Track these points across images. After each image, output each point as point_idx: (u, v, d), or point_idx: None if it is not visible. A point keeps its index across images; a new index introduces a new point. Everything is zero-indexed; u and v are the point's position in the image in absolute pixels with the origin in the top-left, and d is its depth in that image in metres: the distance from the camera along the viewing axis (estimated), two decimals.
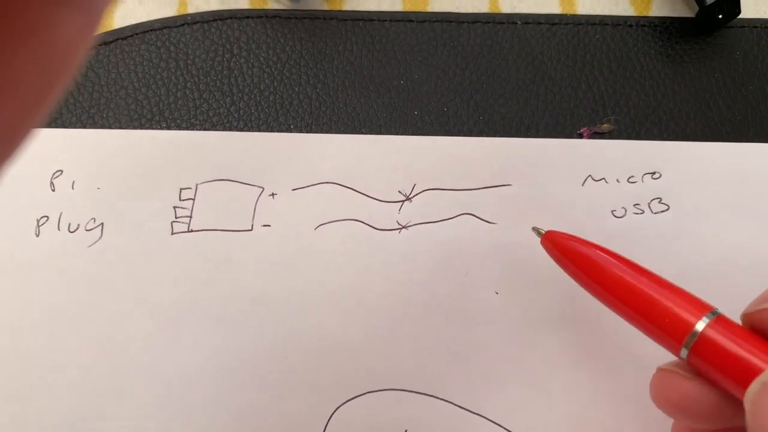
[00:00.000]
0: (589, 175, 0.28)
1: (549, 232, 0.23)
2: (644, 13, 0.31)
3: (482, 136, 0.29)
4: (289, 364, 0.26)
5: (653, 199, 0.28)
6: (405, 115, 0.29)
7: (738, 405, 0.18)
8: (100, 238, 0.27)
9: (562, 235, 0.23)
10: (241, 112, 0.29)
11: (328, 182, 0.28)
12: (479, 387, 0.26)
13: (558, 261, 0.23)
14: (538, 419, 0.25)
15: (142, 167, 0.28)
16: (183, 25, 0.31)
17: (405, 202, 0.28)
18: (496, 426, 0.25)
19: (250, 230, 0.27)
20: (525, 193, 0.28)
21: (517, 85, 0.30)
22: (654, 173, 0.28)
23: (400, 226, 0.28)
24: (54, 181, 0.28)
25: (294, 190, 0.28)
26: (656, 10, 0.32)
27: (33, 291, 0.27)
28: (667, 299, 0.20)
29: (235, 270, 0.27)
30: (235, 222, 0.28)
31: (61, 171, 0.28)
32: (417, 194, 0.28)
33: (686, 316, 0.19)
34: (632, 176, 0.28)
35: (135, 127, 0.29)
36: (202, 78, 0.30)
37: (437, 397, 0.26)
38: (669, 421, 0.25)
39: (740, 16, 0.30)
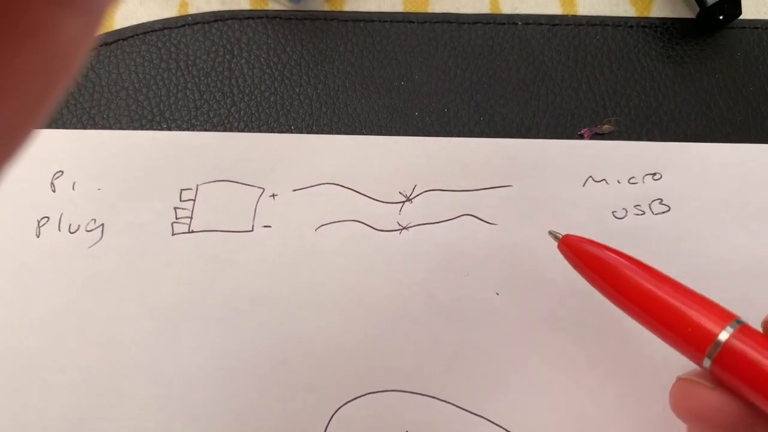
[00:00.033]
0: (590, 176, 0.28)
1: (566, 237, 0.22)
2: (645, 14, 0.31)
3: (483, 136, 0.29)
4: (290, 364, 0.26)
5: (654, 200, 0.28)
6: (405, 115, 0.29)
7: (762, 416, 0.18)
8: (101, 238, 0.27)
9: (579, 240, 0.22)
10: (241, 112, 0.29)
11: (328, 183, 0.28)
12: (480, 388, 0.26)
13: (575, 266, 0.22)
14: (539, 420, 0.25)
15: (142, 168, 0.28)
16: (184, 26, 0.31)
17: (405, 203, 0.28)
18: (497, 427, 0.25)
19: (251, 231, 0.27)
20: (526, 194, 0.28)
21: (518, 86, 0.30)
22: (655, 174, 0.28)
23: (401, 227, 0.28)
24: (54, 181, 0.28)
25: (294, 190, 0.28)
26: (657, 11, 0.32)
27: (33, 292, 0.27)
28: (690, 308, 0.19)
29: (236, 271, 0.27)
30: (235, 223, 0.28)
31: (62, 172, 0.28)
32: (417, 195, 0.28)
33: (709, 325, 0.19)
34: (633, 177, 0.28)
35: (136, 128, 0.29)
36: (202, 79, 0.30)
37: (438, 398, 0.26)
38: (669, 421, 0.25)
39: (741, 17, 0.30)
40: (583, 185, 0.28)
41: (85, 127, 0.29)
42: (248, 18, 0.31)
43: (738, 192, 0.28)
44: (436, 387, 0.26)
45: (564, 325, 0.26)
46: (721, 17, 0.30)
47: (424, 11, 0.31)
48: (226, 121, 0.29)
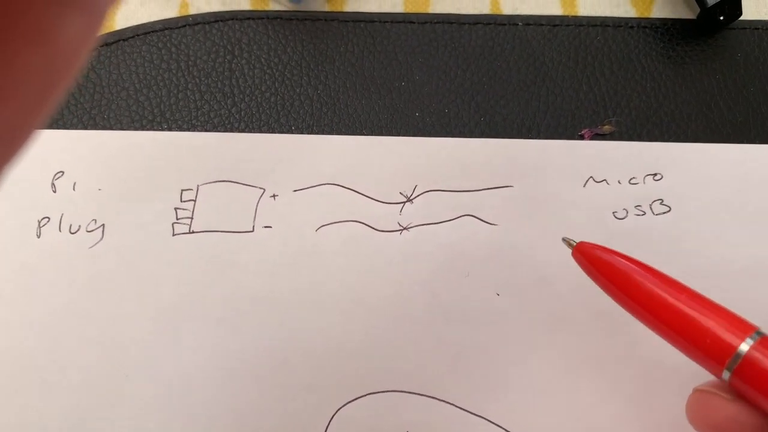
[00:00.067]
0: (591, 177, 0.28)
1: (581, 244, 0.22)
2: (645, 15, 0.31)
3: (483, 137, 0.29)
4: (291, 365, 0.26)
5: (655, 201, 0.28)
6: (406, 116, 0.29)
7: None
8: (101, 239, 0.27)
9: (594, 247, 0.21)
10: (242, 113, 0.29)
11: (329, 183, 0.28)
12: (480, 388, 0.26)
13: (590, 274, 0.22)
14: (539, 420, 0.25)
15: (143, 168, 0.28)
16: (184, 26, 0.31)
17: (406, 204, 0.28)
18: (498, 428, 0.25)
19: (252, 231, 0.27)
20: (526, 195, 0.28)
21: (519, 87, 0.30)
22: (655, 174, 0.28)
23: (401, 228, 0.28)
24: (55, 182, 0.28)
25: (295, 191, 0.28)
26: (657, 12, 0.32)
27: (34, 292, 0.27)
28: (708, 318, 0.19)
29: (237, 271, 0.27)
30: (236, 223, 0.28)
31: (63, 172, 0.28)
32: (418, 195, 0.28)
33: (728, 337, 0.19)
34: (634, 177, 0.28)
35: (136, 129, 0.29)
36: (203, 79, 0.30)
37: (438, 399, 0.26)
38: (670, 421, 0.25)
39: (741, 18, 0.30)
40: (584, 185, 0.28)
41: (85, 128, 0.29)
42: (249, 18, 0.31)
43: (738, 192, 0.28)
44: (436, 387, 0.26)
45: (564, 325, 0.26)
46: (721, 18, 0.30)
47: (424, 12, 0.31)
48: (226, 122, 0.29)
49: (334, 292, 0.27)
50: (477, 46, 0.30)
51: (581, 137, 0.29)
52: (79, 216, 0.28)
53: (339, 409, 0.25)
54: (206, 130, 0.29)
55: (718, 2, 0.29)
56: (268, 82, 0.30)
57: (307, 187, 0.28)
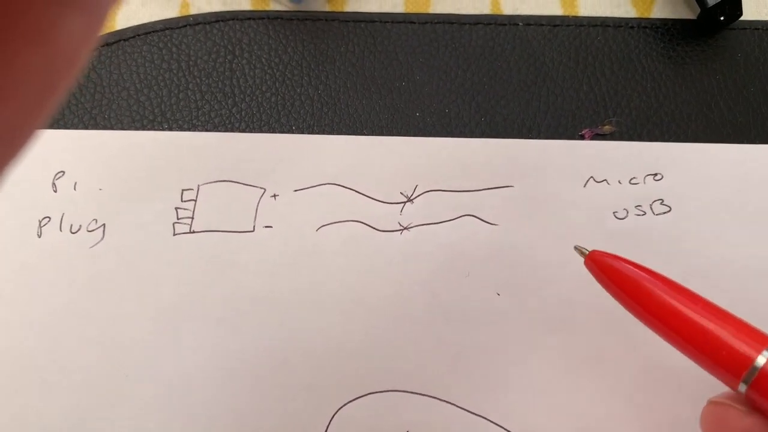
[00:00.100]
0: (591, 177, 0.28)
1: (594, 253, 0.22)
2: (646, 15, 0.31)
3: (484, 137, 0.29)
4: (291, 364, 0.26)
5: (655, 201, 0.28)
6: (407, 116, 0.29)
7: None
8: (102, 239, 0.27)
9: (607, 256, 0.21)
10: (242, 113, 0.29)
11: (329, 183, 0.28)
12: (481, 388, 0.26)
13: (602, 283, 0.21)
14: (539, 420, 0.25)
15: (144, 168, 0.28)
16: (185, 26, 0.31)
17: (406, 204, 0.28)
18: (498, 427, 0.25)
19: (252, 231, 0.27)
20: (527, 195, 0.28)
21: (519, 87, 0.30)
22: (656, 174, 0.28)
23: (402, 228, 0.28)
24: (56, 182, 0.28)
25: (296, 191, 0.28)
26: (658, 12, 0.32)
27: (35, 292, 0.27)
28: (724, 330, 0.19)
29: (237, 271, 0.27)
30: (236, 223, 0.28)
31: (63, 172, 0.28)
32: (418, 195, 0.28)
33: (745, 349, 0.18)
34: (634, 177, 0.28)
35: (137, 128, 0.29)
36: (204, 79, 0.30)
37: (439, 398, 0.26)
38: (670, 421, 0.25)
39: (742, 18, 0.30)
40: (584, 186, 0.28)
41: (86, 128, 0.29)
42: (249, 18, 0.31)
43: (739, 192, 0.28)
44: (437, 387, 0.26)
45: (564, 325, 0.26)
46: (721, 18, 0.30)
47: (425, 12, 0.31)
48: (227, 122, 0.29)
49: (335, 292, 0.27)
50: (477, 46, 0.30)
51: (581, 137, 0.29)
52: (79, 216, 0.28)
53: (339, 409, 0.25)
54: (207, 130, 0.29)
55: (719, 2, 0.29)
56: (268, 82, 0.30)
57: (308, 187, 0.28)
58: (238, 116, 0.29)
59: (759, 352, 0.18)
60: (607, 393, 0.25)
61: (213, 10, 0.31)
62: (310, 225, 0.28)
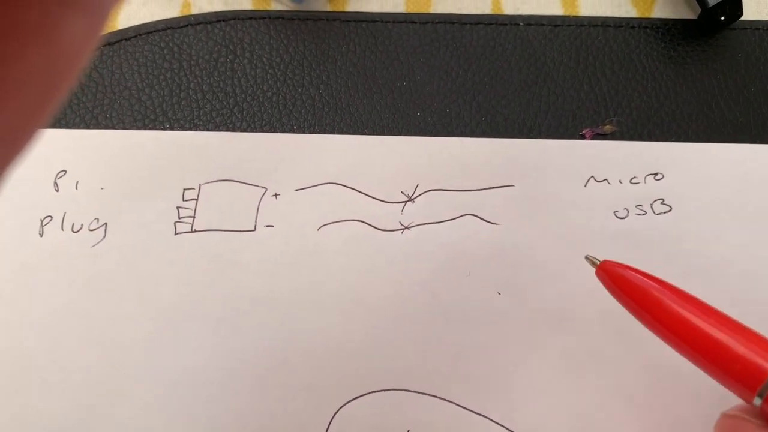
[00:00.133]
0: (592, 176, 0.28)
1: (605, 263, 0.21)
2: (646, 15, 0.32)
3: (485, 137, 0.29)
4: (292, 363, 0.26)
5: (655, 200, 0.28)
6: (408, 116, 0.29)
7: None
8: (104, 238, 0.27)
9: (618, 266, 0.21)
10: (244, 112, 0.30)
11: (330, 183, 0.28)
12: (482, 387, 0.26)
13: (614, 293, 0.21)
14: (541, 419, 0.25)
15: (145, 168, 0.28)
16: (186, 26, 0.31)
17: (408, 203, 0.28)
18: (499, 426, 0.25)
19: (253, 230, 0.28)
20: (527, 194, 0.28)
21: (520, 87, 0.30)
22: (656, 174, 0.28)
23: (403, 227, 0.28)
24: (58, 181, 0.28)
25: (297, 190, 0.28)
26: (658, 12, 0.32)
27: (36, 291, 0.27)
28: (739, 343, 0.19)
29: (238, 270, 0.27)
30: (238, 222, 0.28)
31: (65, 171, 0.28)
32: (419, 195, 0.28)
33: (760, 362, 0.18)
34: (635, 177, 0.28)
35: (138, 128, 0.29)
36: (205, 79, 0.30)
37: (440, 398, 0.26)
38: (672, 421, 0.25)
39: (742, 18, 0.30)
40: (585, 185, 0.28)
41: (88, 127, 0.29)
42: (251, 18, 0.31)
43: (739, 192, 0.28)
44: (438, 386, 0.26)
45: (565, 324, 0.26)
46: (722, 18, 0.30)
47: (426, 12, 0.31)
48: (228, 121, 0.29)
49: (336, 291, 0.27)
50: (478, 46, 0.31)
51: (582, 137, 0.29)
52: (81, 215, 0.28)
53: (340, 408, 0.25)
54: (208, 130, 0.29)
55: (719, 2, 0.29)
56: (270, 82, 0.30)
57: (309, 187, 0.28)
58: (239, 116, 0.29)
59: None
60: (607, 392, 0.26)
61: (214, 10, 0.31)
62: (312, 224, 0.28)
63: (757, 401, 0.18)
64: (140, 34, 0.30)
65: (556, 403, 0.25)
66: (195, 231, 0.28)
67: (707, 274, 0.27)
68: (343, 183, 0.28)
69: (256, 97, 0.30)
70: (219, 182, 0.28)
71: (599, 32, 0.31)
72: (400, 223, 0.28)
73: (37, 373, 0.26)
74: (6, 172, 0.10)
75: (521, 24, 0.31)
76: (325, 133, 0.29)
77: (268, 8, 0.31)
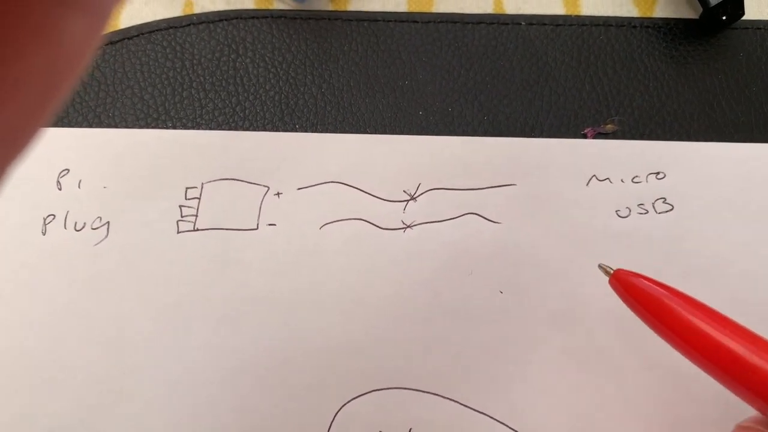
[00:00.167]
0: (594, 175, 0.28)
1: (619, 272, 0.21)
2: (648, 15, 0.32)
3: (487, 136, 0.29)
4: (294, 362, 0.26)
5: (657, 199, 0.28)
6: (410, 115, 0.29)
7: None
8: (106, 236, 0.28)
9: (632, 275, 0.21)
10: (246, 111, 0.30)
11: (333, 182, 0.28)
12: (484, 386, 0.26)
13: (628, 303, 0.21)
14: (543, 419, 0.25)
15: (148, 166, 0.28)
16: (189, 25, 0.31)
17: (410, 202, 0.28)
18: (501, 425, 0.25)
19: (256, 229, 0.28)
20: (529, 193, 0.28)
21: (522, 86, 0.30)
22: (658, 173, 0.28)
23: (405, 226, 0.28)
24: (60, 180, 0.28)
25: (299, 189, 0.28)
26: (660, 12, 0.32)
27: (39, 289, 0.27)
28: (754, 353, 0.18)
29: (241, 269, 0.27)
30: (240, 221, 0.28)
31: (68, 170, 0.28)
32: (422, 194, 0.28)
33: None
34: (637, 176, 0.28)
35: (141, 127, 0.29)
36: (207, 78, 0.30)
37: (442, 396, 0.26)
38: (673, 420, 0.25)
39: (744, 18, 0.30)
40: (587, 184, 0.28)
41: (90, 126, 0.29)
42: (253, 17, 0.31)
43: (741, 191, 0.28)
44: (440, 385, 0.26)
45: (567, 323, 0.26)
46: (724, 18, 0.30)
47: (428, 11, 0.32)
48: (231, 120, 0.29)
49: (338, 290, 0.27)
50: (480, 46, 0.31)
51: (584, 136, 0.29)
52: (84, 213, 0.28)
53: (343, 406, 0.25)
54: (211, 129, 0.29)
55: (721, 2, 0.29)
56: (272, 81, 0.30)
57: (311, 185, 0.28)
58: (241, 115, 0.29)
59: None
60: (608, 391, 0.26)
61: (216, 9, 0.31)
62: (314, 223, 0.28)
63: None
64: (143, 33, 0.31)
65: (558, 402, 0.25)
66: (197, 230, 0.28)
67: (709, 273, 0.27)
68: (345, 182, 0.28)
69: (258, 96, 0.30)
70: (221, 181, 0.28)
71: (601, 32, 0.31)
72: (402, 222, 0.28)
73: (39, 372, 0.26)
74: (6, 173, 0.10)
75: (523, 23, 0.31)
76: (327, 132, 0.29)
77: (271, 7, 0.31)
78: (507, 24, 0.31)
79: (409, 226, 0.28)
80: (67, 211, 0.28)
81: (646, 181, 0.28)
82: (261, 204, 0.28)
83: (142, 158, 0.29)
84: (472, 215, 0.28)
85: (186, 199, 0.28)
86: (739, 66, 0.30)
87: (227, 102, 0.30)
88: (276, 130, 0.29)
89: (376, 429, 0.25)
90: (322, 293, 0.27)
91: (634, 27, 0.31)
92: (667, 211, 0.28)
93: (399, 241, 0.27)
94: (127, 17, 0.31)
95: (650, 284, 0.20)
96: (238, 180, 0.28)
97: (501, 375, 0.26)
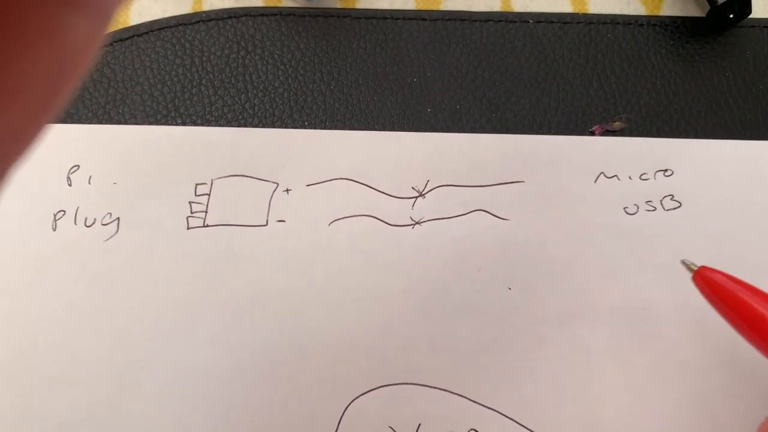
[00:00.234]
0: (602, 172, 0.28)
1: (703, 269, 0.21)
2: (655, 13, 0.32)
3: (495, 133, 0.29)
4: (304, 358, 0.26)
5: (665, 196, 0.28)
6: (418, 112, 0.30)
7: None
8: (117, 232, 0.28)
9: (716, 273, 0.21)
10: (255, 108, 0.30)
11: (341, 178, 0.28)
12: (492, 382, 0.26)
13: (711, 301, 0.21)
14: (551, 414, 0.25)
15: (157, 163, 0.29)
16: (198, 22, 0.31)
17: (418, 198, 0.28)
18: (510, 420, 0.25)
19: (265, 225, 0.28)
20: (537, 190, 0.28)
21: (530, 83, 0.30)
22: (666, 170, 0.28)
23: (414, 222, 0.28)
24: (71, 176, 0.28)
25: (308, 185, 0.28)
26: (667, 10, 0.32)
27: (50, 285, 0.27)
28: None
29: (250, 265, 0.27)
30: (249, 217, 0.28)
31: (78, 166, 0.28)
32: (430, 190, 0.28)
33: None
34: (644, 173, 0.28)
35: (151, 123, 0.29)
36: (216, 75, 0.30)
37: (450, 392, 0.26)
38: (681, 415, 0.25)
39: (751, 16, 0.30)
40: (595, 181, 0.28)
41: (100, 122, 0.29)
42: (262, 15, 0.31)
43: (748, 188, 0.28)
44: (448, 380, 0.26)
45: (575, 319, 0.26)
46: (731, 16, 0.30)
47: (436, 9, 0.32)
48: (240, 117, 0.30)
49: (347, 286, 0.27)
50: (488, 43, 0.31)
51: (592, 134, 0.29)
52: (94, 209, 0.28)
53: (352, 402, 0.26)
54: (220, 125, 0.29)
55: (728, 0, 0.29)
56: (281, 78, 0.30)
57: (320, 182, 0.28)
58: (251, 111, 0.30)
59: None
60: (617, 387, 0.26)
61: (225, 6, 0.31)
62: (323, 219, 0.28)
63: None
64: (152, 30, 0.31)
65: (566, 398, 0.26)
66: (207, 226, 0.28)
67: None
68: (354, 178, 0.28)
69: (267, 93, 0.30)
70: (231, 177, 0.28)
71: (608, 30, 0.31)
72: (411, 218, 0.28)
73: (49, 366, 0.26)
74: (9, 173, 0.10)
75: (531, 21, 0.31)
76: (336, 129, 0.29)
77: (280, 5, 0.32)
78: (515, 22, 0.31)
79: (417, 223, 0.28)
80: (77, 207, 0.28)
81: (654, 178, 0.28)
82: (270, 200, 0.28)
83: (151, 154, 0.29)
84: (480, 212, 0.28)
85: (195, 195, 0.28)
86: (746, 64, 0.30)
87: (236, 99, 0.30)
88: (285, 127, 0.29)
89: (385, 424, 0.25)
90: (331, 289, 0.27)
91: (641, 25, 0.31)
92: (674, 208, 0.28)
93: (407, 238, 0.28)
94: (136, 14, 0.31)
95: (733, 283, 0.20)
96: (247, 176, 0.28)
97: (509, 371, 0.26)
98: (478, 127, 0.29)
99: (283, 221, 0.28)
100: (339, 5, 0.32)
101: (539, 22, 0.31)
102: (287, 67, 0.30)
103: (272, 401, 0.26)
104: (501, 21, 0.31)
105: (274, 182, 0.28)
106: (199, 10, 0.31)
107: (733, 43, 0.31)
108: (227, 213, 0.28)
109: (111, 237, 0.28)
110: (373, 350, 0.26)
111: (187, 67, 0.30)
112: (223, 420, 0.25)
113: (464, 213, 0.28)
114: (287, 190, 0.28)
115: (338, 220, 0.28)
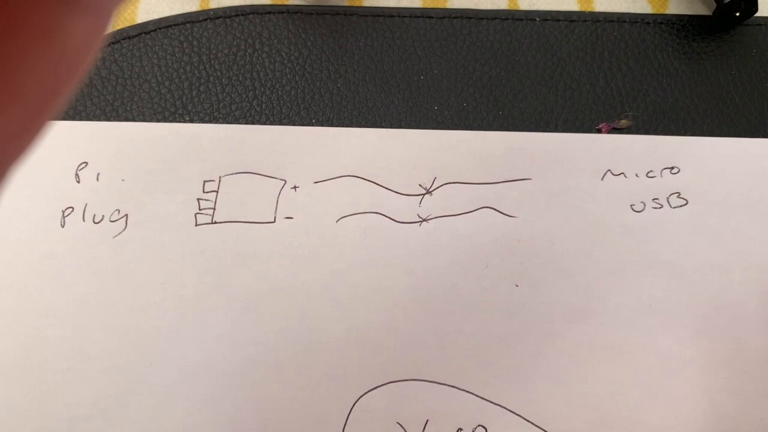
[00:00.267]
0: (609, 170, 0.28)
1: None
2: (662, 11, 0.32)
3: (502, 130, 0.29)
4: (312, 354, 0.26)
5: (672, 194, 0.28)
6: (425, 109, 0.30)
7: None
8: (125, 229, 0.28)
9: None
10: (263, 106, 0.30)
11: (349, 175, 0.28)
12: (500, 378, 0.26)
13: None
14: (558, 410, 0.26)
15: (166, 160, 0.29)
16: (205, 20, 0.31)
17: (425, 196, 0.28)
18: (517, 417, 0.25)
19: (273, 222, 0.28)
20: (544, 187, 0.28)
21: (536, 81, 0.30)
22: (673, 168, 0.28)
23: (421, 219, 0.28)
24: (79, 172, 0.29)
25: (316, 182, 0.28)
26: (673, 8, 0.32)
27: (59, 281, 0.27)
28: None
29: (258, 261, 0.27)
30: (257, 214, 0.28)
31: (86, 163, 0.29)
32: (437, 188, 0.28)
33: None
34: (651, 171, 0.28)
35: (159, 121, 0.29)
36: (224, 72, 0.30)
37: (458, 388, 0.26)
38: (688, 412, 0.26)
39: (757, 14, 0.30)
40: (602, 179, 0.28)
41: (108, 120, 0.29)
42: (269, 12, 0.31)
43: (755, 186, 0.28)
44: (456, 376, 0.26)
45: (582, 316, 0.26)
46: (737, 14, 0.30)
47: (442, 7, 0.32)
48: (248, 114, 0.30)
49: (354, 283, 0.27)
50: (495, 41, 0.31)
51: (598, 131, 0.29)
52: (102, 206, 0.28)
53: (360, 397, 0.26)
54: (228, 123, 0.29)
55: None
56: (288, 76, 0.30)
57: (328, 179, 0.28)
58: (258, 109, 0.30)
59: None
60: (623, 383, 0.26)
61: (233, 4, 0.31)
62: (330, 216, 0.28)
63: None
64: (160, 28, 0.31)
65: (574, 394, 0.26)
66: (215, 222, 0.28)
67: (723, 267, 0.27)
68: (361, 176, 0.28)
69: (275, 91, 0.30)
70: (239, 174, 0.28)
71: (615, 28, 0.31)
72: (418, 215, 0.28)
73: (59, 362, 0.26)
74: (9, 173, 0.10)
75: (537, 19, 0.31)
76: (343, 126, 0.29)
77: (287, 3, 0.32)
78: (521, 20, 0.31)
79: (425, 220, 0.28)
80: (86, 204, 0.28)
81: (661, 176, 0.28)
82: (278, 197, 0.28)
83: (160, 152, 0.29)
84: (487, 209, 0.28)
85: (204, 192, 0.28)
86: (752, 62, 0.30)
87: (244, 96, 0.30)
88: (292, 124, 0.29)
89: (393, 420, 0.25)
90: (339, 286, 0.27)
91: (648, 23, 0.31)
92: (681, 206, 0.28)
93: (415, 235, 0.28)
94: (144, 12, 0.32)
95: None
96: (255, 173, 0.28)
97: (517, 367, 0.26)
98: (485, 125, 0.29)
99: (291, 218, 0.28)
100: (346, 3, 0.32)
101: (546, 20, 0.31)
102: (294, 64, 0.30)
103: (280, 397, 0.26)
104: (507, 19, 0.31)
105: (281, 179, 0.28)
106: (206, 7, 0.31)
107: (740, 41, 0.31)
108: (235, 210, 0.28)
109: (119, 233, 0.28)
110: (380, 346, 0.26)
111: (195, 64, 0.30)
112: (231, 415, 0.26)
113: (471, 210, 0.28)
114: (295, 187, 0.28)
115: (346, 217, 0.28)
